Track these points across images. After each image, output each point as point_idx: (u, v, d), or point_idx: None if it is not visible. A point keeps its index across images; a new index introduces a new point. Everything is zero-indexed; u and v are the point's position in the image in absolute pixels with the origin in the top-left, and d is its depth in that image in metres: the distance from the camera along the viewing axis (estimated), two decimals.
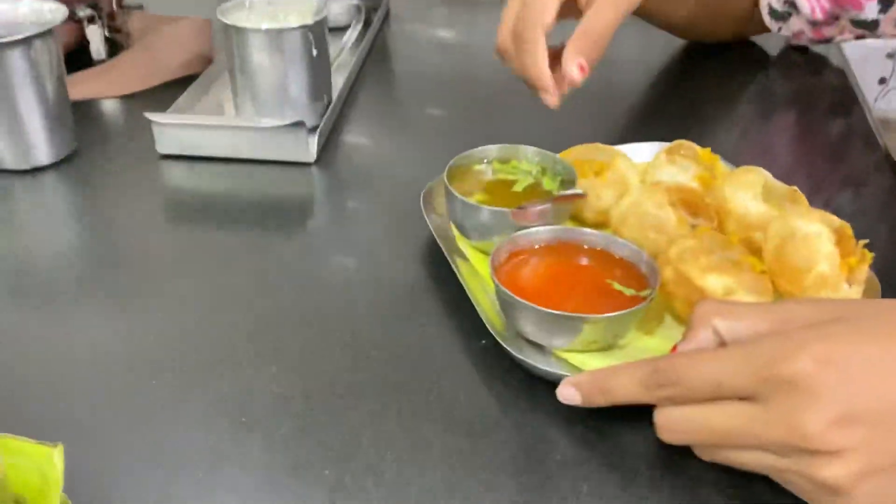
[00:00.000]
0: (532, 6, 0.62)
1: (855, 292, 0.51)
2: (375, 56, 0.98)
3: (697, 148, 0.65)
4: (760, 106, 0.88)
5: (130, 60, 0.87)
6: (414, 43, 1.06)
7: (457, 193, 0.58)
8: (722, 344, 0.43)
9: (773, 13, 0.90)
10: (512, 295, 0.49)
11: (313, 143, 0.72)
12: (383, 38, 1.04)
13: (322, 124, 0.75)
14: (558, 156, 0.64)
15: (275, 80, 0.74)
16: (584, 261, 0.55)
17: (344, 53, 0.84)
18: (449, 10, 1.15)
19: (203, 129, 0.72)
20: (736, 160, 0.67)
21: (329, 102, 0.79)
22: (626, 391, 0.43)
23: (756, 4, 0.92)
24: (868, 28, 0.85)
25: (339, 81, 0.83)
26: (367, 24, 0.98)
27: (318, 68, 0.76)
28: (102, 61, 0.89)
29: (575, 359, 0.50)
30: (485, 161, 0.63)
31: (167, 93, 0.81)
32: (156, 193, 0.71)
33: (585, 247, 0.56)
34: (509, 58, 0.65)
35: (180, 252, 0.64)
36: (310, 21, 0.74)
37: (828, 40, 0.91)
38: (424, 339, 0.54)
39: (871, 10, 0.83)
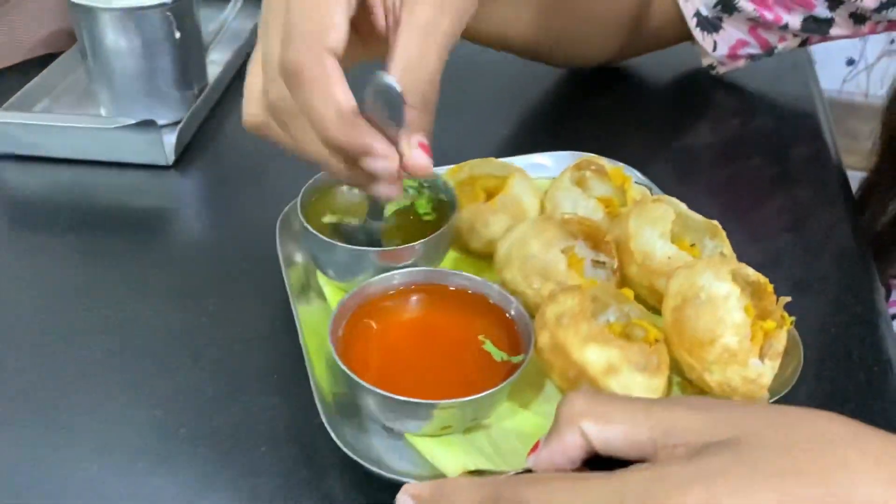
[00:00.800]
0: (303, 19, 0.38)
1: (768, 369, 0.42)
2: None
3: (607, 165, 0.55)
4: (707, 121, 0.78)
5: None
6: None
7: (309, 227, 0.48)
8: (591, 451, 0.34)
9: (703, 22, 0.75)
10: (349, 372, 0.40)
11: (170, 142, 0.62)
12: None
13: (185, 120, 0.64)
14: (441, 173, 0.54)
15: (131, 66, 0.63)
16: (452, 313, 0.46)
17: (225, 32, 0.73)
18: None
19: (40, 129, 0.61)
20: (663, 183, 0.58)
21: (201, 91, 0.68)
22: None
23: (641, 13, 0.75)
24: (819, 30, 0.74)
25: (222, 62, 0.72)
26: None
27: (185, 52, 0.65)
28: None
29: (425, 446, 0.41)
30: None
31: (24, 73, 0.70)
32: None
33: (453, 291, 0.46)
34: (272, 126, 0.41)
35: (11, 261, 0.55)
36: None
37: (770, 52, 0.78)
38: (251, 411, 0.44)
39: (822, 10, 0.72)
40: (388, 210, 0.51)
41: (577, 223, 0.49)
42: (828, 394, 0.46)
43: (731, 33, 0.76)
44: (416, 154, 0.40)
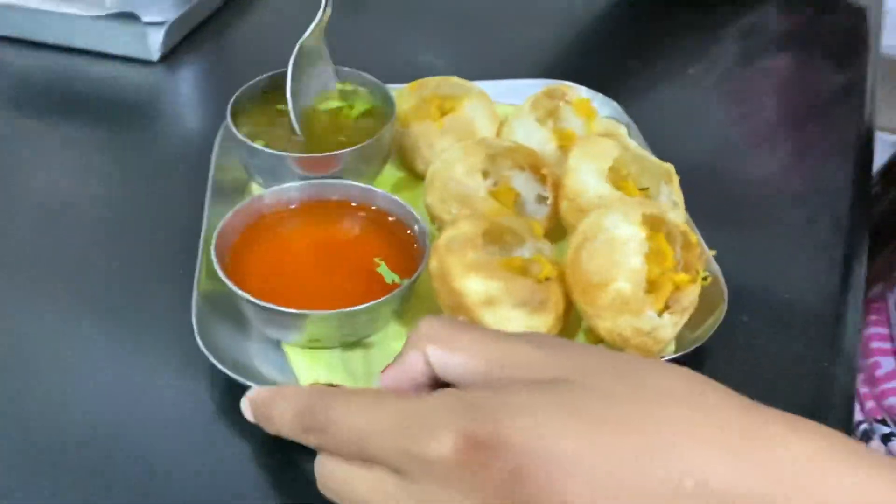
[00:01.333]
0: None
1: (668, 324, 0.38)
2: None
3: (572, 95, 0.51)
4: (734, 47, 0.71)
5: None
6: None
7: (235, 130, 0.47)
8: (434, 375, 0.33)
9: None
10: (224, 278, 0.39)
11: (156, 37, 0.62)
12: None
13: (179, 16, 0.64)
14: (402, 87, 0.52)
15: None
16: (353, 229, 0.44)
17: None
18: None
19: (33, 14, 0.62)
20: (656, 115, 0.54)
21: None
22: (284, 426, 0.33)
23: None
24: None
25: None
26: None
27: None
28: None
29: (295, 356, 0.40)
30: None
31: None
32: None
33: (360, 207, 0.45)
34: None
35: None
36: None
37: None
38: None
39: None
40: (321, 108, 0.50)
41: (514, 151, 0.46)
42: (749, 361, 0.42)
43: None
44: None
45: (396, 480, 0.29)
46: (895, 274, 0.68)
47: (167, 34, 0.63)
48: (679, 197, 0.46)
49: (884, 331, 0.68)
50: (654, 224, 0.40)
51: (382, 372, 0.34)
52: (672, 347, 0.40)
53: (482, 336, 0.32)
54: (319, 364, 0.40)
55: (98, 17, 0.60)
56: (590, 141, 0.46)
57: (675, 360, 0.39)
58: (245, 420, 0.35)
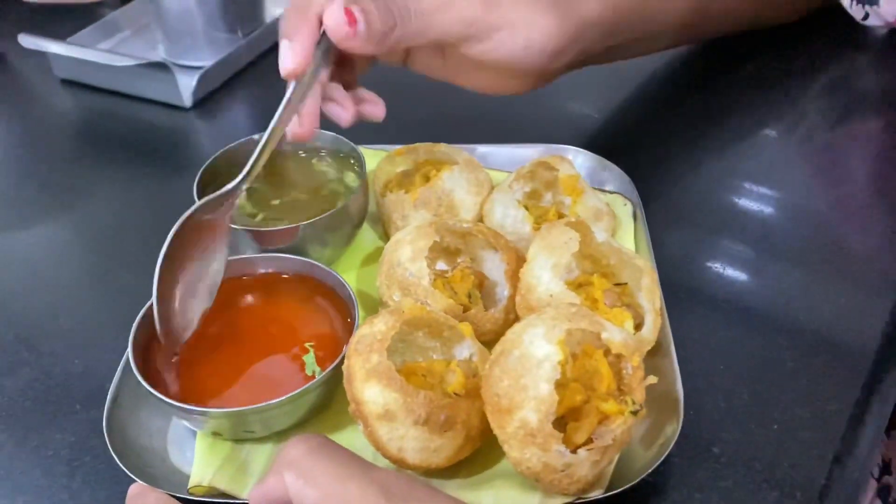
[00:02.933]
0: None
1: (587, 461, 0.33)
2: None
3: (561, 170, 0.46)
4: (817, 104, 0.62)
5: None
6: None
7: (196, 198, 0.46)
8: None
9: None
10: (139, 376, 0.38)
11: (188, 85, 0.63)
12: None
13: (211, 65, 0.64)
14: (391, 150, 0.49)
15: (177, 6, 0.65)
16: (294, 310, 0.42)
17: None
18: None
19: (81, 62, 0.65)
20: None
21: (248, 34, 0.68)
22: None
23: None
24: None
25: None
26: None
27: None
28: None
29: (200, 445, 0.39)
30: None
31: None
32: (46, 114, 0.68)
33: (309, 284, 0.42)
34: None
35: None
36: None
37: None
38: None
39: None
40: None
41: (469, 234, 0.42)
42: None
43: (888, 10, 0.60)
44: (331, 11, 0.39)
45: None
46: None
47: (200, 83, 0.63)
48: (652, 296, 0.40)
49: None
50: (585, 344, 0.35)
51: (250, 493, 0.32)
52: (601, 488, 0.35)
53: (337, 473, 0.31)
54: (219, 457, 0.38)
55: (139, 65, 0.62)
56: (551, 231, 0.41)
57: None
58: None
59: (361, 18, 0.39)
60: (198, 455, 0.38)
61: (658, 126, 0.59)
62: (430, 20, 0.41)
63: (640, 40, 0.54)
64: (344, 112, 0.42)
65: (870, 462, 0.43)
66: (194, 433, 0.39)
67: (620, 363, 0.35)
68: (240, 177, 0.40)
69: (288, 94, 0.40)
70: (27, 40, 0.64)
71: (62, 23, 0.75)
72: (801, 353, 0.42)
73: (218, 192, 0.39)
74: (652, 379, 0.34)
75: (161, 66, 0.62)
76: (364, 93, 0.44)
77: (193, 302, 0.39)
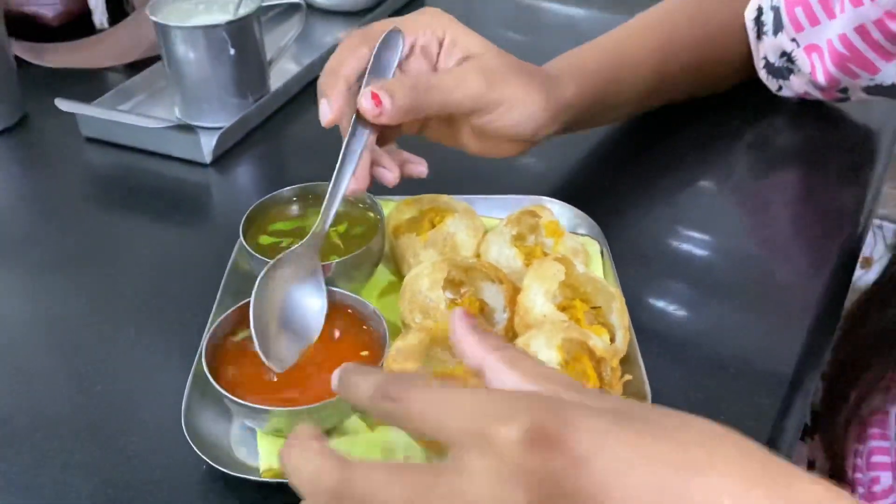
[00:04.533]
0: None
1: None
2: None
3: (544, 217, 0.57)
4: (745, 160, 0.75)
5: (118, 33, 0.90)
6: None
7: (243, 242, 0.55)
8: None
9: (769, 69, 0.74)
10: (209, 375, 0.46)
11: (209, 144, 0.72)
12: None
13: (229, 126, 0.73)
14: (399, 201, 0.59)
15: (193, 75, 0.74)
16: (334, 332, 0.51)
17: (288, 49, 0.82)
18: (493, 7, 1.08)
19: (108, 122, 0.74)
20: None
21: (257, 100, 0.77)
22: (364, 391, 0.34)
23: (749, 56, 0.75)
24: (888, 94, 0.68)
25: (290, 74, 0.81)
26: (371, 9, 0.95)
27: (241, 65, 0.74)
28: (104, 30, 0.93)
29: (263, 442, 0.47)
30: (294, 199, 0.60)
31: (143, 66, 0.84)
32: (74, 171, 0.76)
33: (342, 312, 0.51)
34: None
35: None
36: (225, 19, 0.72)
37: (844, 101, 0.74)
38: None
39: (889, 74, 0.66)
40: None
41: (474, 269, 0.52)
42: None
43: (796, 85, 0.73)
44: (363, 96, 0.50)
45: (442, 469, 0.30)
46: (887, 383, 0.68)
47: (219, 141, 0.73)
48: (623, 318, 0.50)
49: (886, 444, 0.68)
50: (577, 349, 0.45)
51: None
52: None
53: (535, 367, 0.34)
54: (276, 449, 0.46)
55: (160, 128, 0.71)
56: (542, 265, 0.51)
57: None
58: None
59: (387, 99, 0.49)
60: (262, 448, 0.46)
61: (617, 181, 0.70)
62: (447, 95, 0.52)
63: (608, 111, 0.66)
64: (389, 173, 0.52)
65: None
66: (254, 434, 0.48)
67: (601, 366, 0.45)
68: (322, 223, 0.50)
69: (343, 149, 0.50)
70: (64, 104, 0.72)
71: (75, 86, 0.84)
72: (731, 376, 0.53)
73: (302, 242, 0.49)
74: (628, 376, 0.44)
75: (186, 128, 0.71)
76: (406, 155, 0.54)
77: (291, 337, 0.47)
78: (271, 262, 0.48)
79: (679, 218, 0.67)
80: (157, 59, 0.85)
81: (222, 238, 0.63)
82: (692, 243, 0.65)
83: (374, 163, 0.52)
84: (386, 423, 0.36)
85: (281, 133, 0.78)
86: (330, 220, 0.51)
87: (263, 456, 0.46)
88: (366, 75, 0.52)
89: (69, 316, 0.59)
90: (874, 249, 1.01)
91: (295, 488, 0.32)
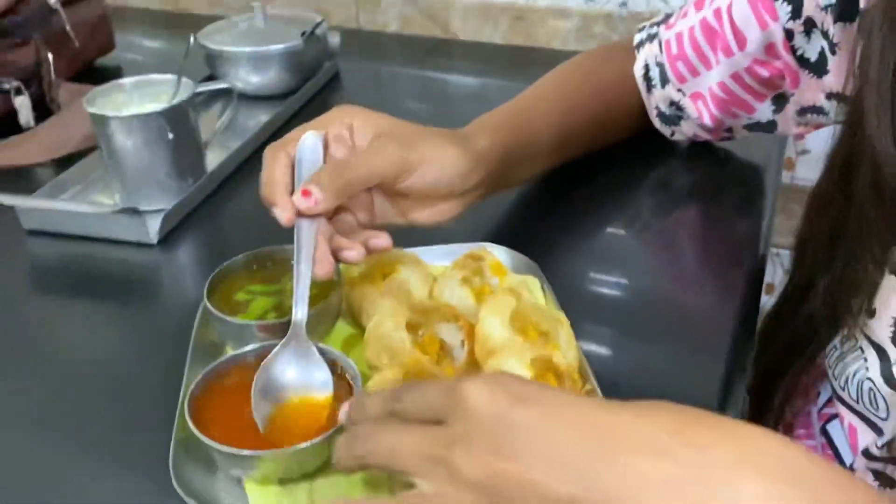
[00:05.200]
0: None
1: None
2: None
3: (489, 258, 0.62)
4: (650, 201, 0.83)
5: (46, 131, 0.92)
6: None
7: (207, 303, 0.58)
8: None
9: (661, 117, 0.83)
10: (192, 426, 0.49)
11: (154, 226, 0.74)
12: (323, 106, 1.05)
13: (171, 207, 0.76)
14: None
15: (134, 161, 0.77)
16: None
17: (221, 132, 0.86)
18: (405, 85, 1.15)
19: (53, 212, 0.75)
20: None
21: (195, 181, 0.81)
22: (375, 407, 0.45)
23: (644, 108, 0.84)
24: (765, 129, 0.78)
25: (224, 157, 0.85)
26: (293, 92, 1.01)
27: (179, 150, 0.78)
28: (30, 129, 0.95)
29: (252, 490, 0.49)
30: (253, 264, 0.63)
31: (73, 161, 0.86)
32: (16, 263, 0.77)
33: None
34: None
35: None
36: (163, 106, 0.76)
37: (730, 139, 0.83)
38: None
39: (764, 112, 0.76)
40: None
41: (432, 310, 0.57)
42: None
43: (686, 129, 0.82)
44: (296, 196, 0.56)
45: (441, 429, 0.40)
46: (813, 388, 0.76)
47: (164, 222, 0.75)
48: (570, 339, 0.55)
49: (812, 443, 0.75)
50: (543, 366, 0.50)
51: None
52: None
53: None
54: (269, 493, 0.48)
55: (105, 213, 0.73)
56: (495, 297, 0.56)
57: None
58: None
59: (316, 190, 0.55)
60: (252, 495, 0.49)
61: (543, 226, 0.77)
62: (370, 168, 0.58)
63: (522, 165, 0.72)
64: (353, 252, 0.57)
65: None
66: (241, 485, 0.50)
67: (563, 380, 0.50)
68: (299, 312, 0.54)
69: (295, 245, 0.55)
70: (5, 198, 0.74)
71: (7, 183, 0.85)
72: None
73: (287, 336, 0.54)
74: (588, 387, 0.49)
75: (132, 210, 0.73)
76: (369, 232, 0.59)
77: None
78: (262, 365, 0.52)
79: (598, 259, 0.73)
80: (86, 153, 0.87)
81: (179, 312, 0.66)
82: (609, 285, 0.70)
83: (337, 248, 0.57)
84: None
85: (220, 211, 0.81)
86: (305, 308, 0.54)
87: (256, 500, 0.48)
88: (295, 178, 0.58)
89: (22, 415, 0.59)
90: (774, 276, 1.11)
91: None
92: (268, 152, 0.60)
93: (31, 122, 0.95)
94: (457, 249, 0.66)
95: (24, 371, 0.63)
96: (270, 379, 0.52)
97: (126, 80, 0.81)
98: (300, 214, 0.56)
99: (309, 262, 0.55)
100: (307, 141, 0.60)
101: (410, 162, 0.59)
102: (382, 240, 0.59)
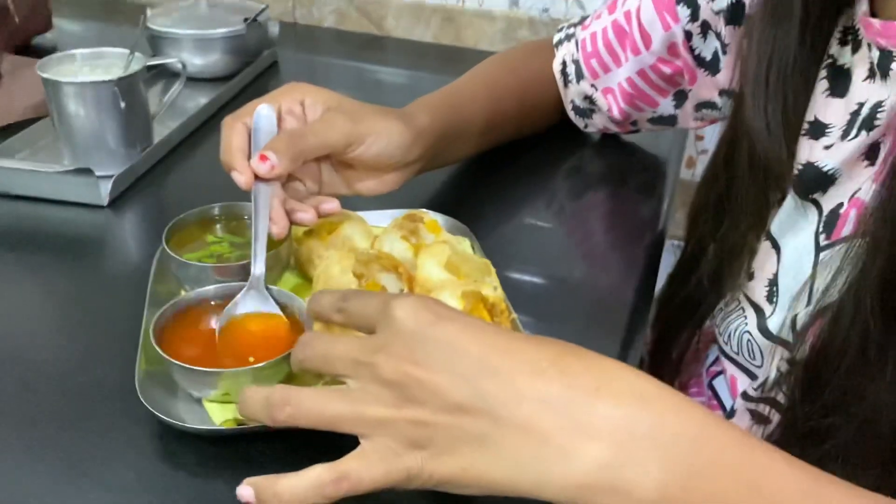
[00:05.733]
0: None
1: None
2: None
3: (426, 218, 0.69)
4: (565, 185, 0.92)
5: None
6: None
7: (166, 248, 0.63)
8: None
9: (576, 110, 0.93)
10: (158, 349, 0.54)
11: (105, 188, 0.79)
12: (261, 90, 1.09)
13: (122, 171, 0.81)
14: None
15: (86, 127, 0.81)
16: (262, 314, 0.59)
17: (168, 106, 0.91)
18: (340, 68, 1.22)
19: (4, 171, 0.79)
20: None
21: (143, 149, 0.85)
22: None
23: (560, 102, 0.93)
24: (667, 123, 0.88)
25: (170, 129, 0.90)
26: (233, 76, 1.06)
27: (129, 119, 0.82)
28: None
29: (210, 407, 0.55)
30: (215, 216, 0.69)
31: (15, 130, 0.88)
32: None
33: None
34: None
35: None
36: (117, 76, 0.80)
37: (635, 132, 0.94)
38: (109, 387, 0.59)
39: (666, 107, 0.86)
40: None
41: (378, 258, 0.63)
42: None
43: (598, 121, 0.91)
44: (254, 161, 0.61)
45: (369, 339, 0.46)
46: (704, 353, 0.86)
47: (115, 184, 0.79)
48: (496, 282, 0.63)
49: (702, 399, 0.84)
50: (474, 298, 0.57)
51: None
52: None
53: None
54: (226, 409, 0.54)
55: (59, 172, 0.77)
56: (431, 245, 0.63)
57: None
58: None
59: (272, 156, 0.61)
60: (211, 410, 0.54)
61: (473, 201, 0.85)
62: (322, 138, 0.64)
63: (456, 144, 0.80)
64: (306, 214, 0.63)
65: None
66: (197, 405, 0.55)
67: (494, 310, 0.57)
68: (258, 268, 0.60)
69: (253, 206, 0.62)
70: None
71: None
72: None
73: (245, 285, 0.59)
74: (514, 316, 0.57)
75: (85, 171, 0.77)
76: (320, 197, 0.66)
77: None
78: (225, 310, 0.58)
79: (516, 235, 0.81)
80: (29, 122, 0.90)
81: (132, 268, 0.71)
82: (523, 260, 0.77)
83: (290, 210, 0.63)
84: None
85: (167, 179, 0.86)
86: (262, 264, 0.60)
87: (215, 414, 0.54)
88: (252, 146, 0.64)
89: None
90: (672, 266, 1.21)
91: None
92: (226, 122, 0.66)
93: None
94: (395, 213, 0.73)
95: None
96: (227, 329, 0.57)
97: (77, 52, 0.85)
98: (257, 179, 0.62)
99: (266, 221, 0.61)
100: (262, 111, 0.66)
101: (359, 133, 0.66)
102: (331, 204, 0.65)
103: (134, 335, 0.60)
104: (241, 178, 0.62)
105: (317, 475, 0.44)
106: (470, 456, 0.42)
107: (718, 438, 0.40)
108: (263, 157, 0.61)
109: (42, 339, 0.63)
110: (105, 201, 0.79)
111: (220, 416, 0.54)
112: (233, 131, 0.65)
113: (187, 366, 0.53)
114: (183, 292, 0.65)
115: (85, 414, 0.56)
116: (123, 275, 0.72)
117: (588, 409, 0.40)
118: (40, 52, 1.14)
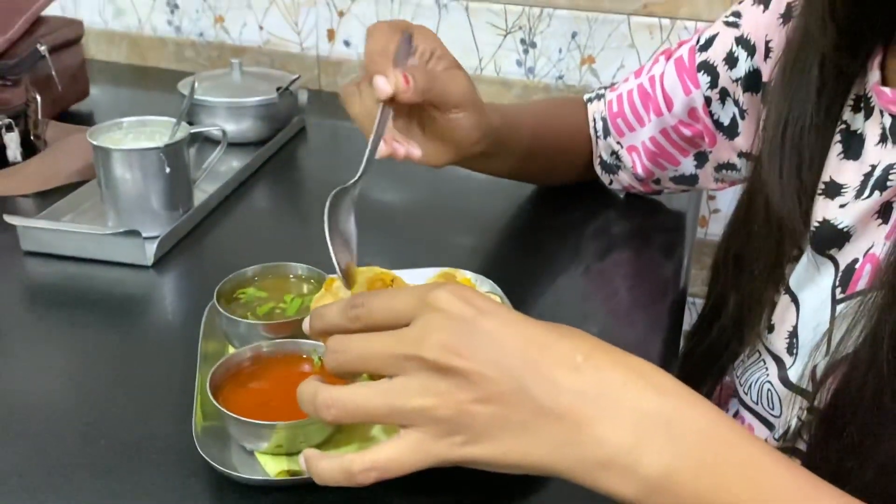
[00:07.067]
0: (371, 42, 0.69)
1: None
2: (282, 170, 1.09)
3: (459, 276, 0.72)
4: (591, 245, 0.95)
5: (36, 164, 0.99)
6: (321, 161, 1.16)
7: (216, 304, 0.66)
8: None
9: (603, 165, 0.97)
10: (215, 403, 0.56)
11: (151, 248, 0.82)
12: (291, 155, 1.14)
13: (166, 233, 0.84)
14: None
15: (131, 192, 0.85)
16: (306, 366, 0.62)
17: (209, 170, 0.95)
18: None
19: (55, 233, 0.82)
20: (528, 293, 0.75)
21: (185, 212, 0.89)
22: (333, 315, 0.53)
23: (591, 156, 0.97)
24: (689, 182, 0.92)
25: (208, 192, 0.94)
26: (265, 141, 1.10)
27: (173, 183, 0.86)
28: (17, 163, 1.01)
29: (263, 459, 0.57)
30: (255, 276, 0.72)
31: (61, 194, 0.92)
32: (14, 284, 0.82)
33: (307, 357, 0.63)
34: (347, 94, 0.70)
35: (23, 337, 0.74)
36: (163, 143, 0.84)
37: (658, 192, 0.97)
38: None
39: (687, 166, 0.90)
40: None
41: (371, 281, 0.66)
42: None
43: (623, 178, 0.95)
44: (398, 76, 0.65)
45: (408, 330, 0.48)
46: (718, 404, 0.87)
47: (159, 245, 0.83)
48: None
49: None
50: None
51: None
52: None
53: None
54: (279, 460, 0.56)
55: (108, 234, 0.80)
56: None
57: None
58: None
59: (412, 80, 0.66)
60: (265, 462, 0.56)
61: (503, 262, 0.88)
62: (446, 86, 0.70)
63: (499, 156, 0.83)
64: (401, 147, 0.68)
65: None
66: (254, 456, 0.57)
67: None
68: (358, 175, 0.62)
69: (378, 117, 0.65)
70: (12, 219, 0.80)
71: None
72: None
73: (346, 184, 0.61)
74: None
75: (132, 233, 0.81)
76: (411, 143, 0.70)
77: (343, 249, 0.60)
78: (333, 192, 0.59)
79: (546, 291, 0.84)
80: (73, 186, 0.94)
81: (178, 325, 0.73)
82: (551, 317, 0.80)
83: (389, 139, 0.67)
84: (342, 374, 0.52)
85: (205, 240, 0.89)
86: (362, 171, 0.62)
87: (269, 466, 0.56)
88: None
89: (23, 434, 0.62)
90: (692, 323, 1.23)
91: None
92: (377, 28, 0.69)
93: (18, 157, 1.01)
94: (431, 272, 0.76)
95: (25, 389, 0.67)
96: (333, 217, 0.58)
97: (124, 120, 0.89)
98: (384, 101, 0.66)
99: (380, 139, 0.65)
100: (408, 37, 0.70)
101: (471, 101, 0.71)
102: (418, 151, 0.70)
103: (184, 390, 0.63)
104: (385, 84, 0.65)
105: (349, 462, 0.48)
106: (510, 441, 0.46)
107: (727, 435, 0.46)
108: (406, 77, 0.65)
109: (97, 395, 0.66)
110: (150, 261, 0.82)
111: (274, 467, 0.56)
112: (388, 39, 0.68)
113: (245, 419, 0.55)
114: (231, 349, 0.67)
115: (143, 466, 0.58)
116: (169, 331, 0.75)
117: (616, 402, 0.46)
118: (78, 118, 1.20)
